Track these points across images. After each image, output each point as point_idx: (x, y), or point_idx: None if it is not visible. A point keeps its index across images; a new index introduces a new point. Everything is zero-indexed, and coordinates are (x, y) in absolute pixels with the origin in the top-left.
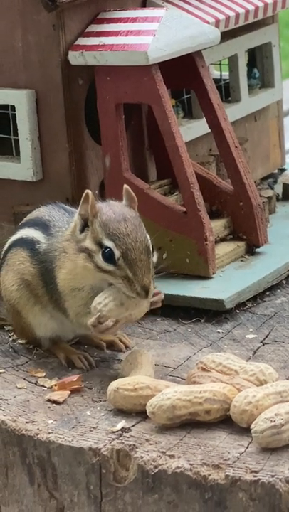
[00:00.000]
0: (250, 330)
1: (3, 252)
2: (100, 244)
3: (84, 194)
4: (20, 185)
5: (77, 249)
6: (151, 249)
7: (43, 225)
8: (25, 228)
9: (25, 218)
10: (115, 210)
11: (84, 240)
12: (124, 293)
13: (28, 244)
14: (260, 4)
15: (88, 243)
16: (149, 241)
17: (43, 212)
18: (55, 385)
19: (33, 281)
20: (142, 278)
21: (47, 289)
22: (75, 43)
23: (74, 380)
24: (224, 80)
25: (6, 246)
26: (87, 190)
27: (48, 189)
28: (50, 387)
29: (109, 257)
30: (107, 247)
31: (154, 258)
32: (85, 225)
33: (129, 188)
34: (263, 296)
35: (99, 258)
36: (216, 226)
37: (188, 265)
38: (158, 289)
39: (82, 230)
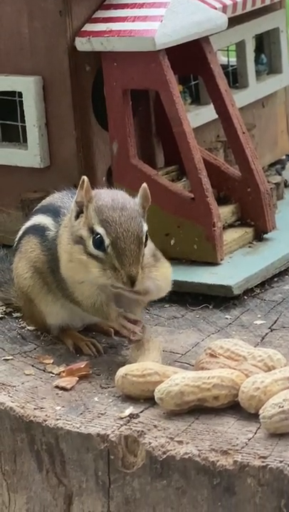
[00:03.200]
0: (259, 316)
1: (17, 239)
2: (91, 230)
3: (80, 180)
4: (27, 172)
5: (72, 240)
6: (144, 240)
7: (54, 212)
8: (38, 215)
9: (39, 204)
10: (114, 198)
11: (78, 228)
12: (112, 282)
13: (39, 231)
14: None
15: (82, 230)
16: (144, 233)
17: (56, 198)
18: (63, 372)
19: (43, 268)
20: (129, 268)
21: (54, 276)
22: (82, 29)
23: (82, 366)
24: (232, 65)
25: (20, 233)
26: (84, 176)
27: (56, 176)
28: (58, 374)
29: (99, 243)
30: (97, 233)
31: (146, 250)
32: (80, 211)
33: (147, 188)
34: (271, 282)
35: (89, 244)
36: (224, 212)
37: (196, 251)
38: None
39: (77, 217)
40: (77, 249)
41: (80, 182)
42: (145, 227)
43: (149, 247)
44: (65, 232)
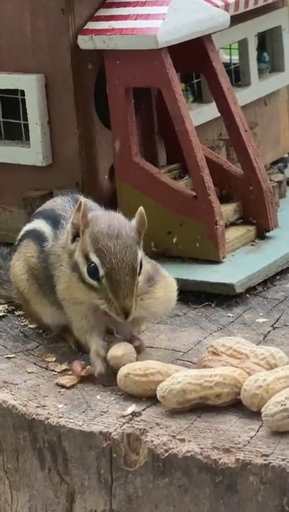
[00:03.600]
0: (261, 314)
1: (18, 239)
2: (86, 258)
3: (78, 203)
4: (30, 170)
5: (70, 266)
6: (138, 270)
7: (54, 220)
8: (40, 219)
9: (41, 206)
10: (110, 223)
11: (74, 252)
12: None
13: (38, 238)
14: None
15: (77, 255)
16: (139, 262)
17: (58, 204)
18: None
19: (39, 276)
20: (124, 300)
21: (50, 287)
22: (85, 27)
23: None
24: (234, 64)
25: (21, 233)
26: (81, 199)
27: (58, 174)
28: (61, 372)
29: (93, 272)
30: (92, 262)
31: (140, 278)
32: (76, 234)
33: (144, 213)
34: (273, 281)
35: (84, 272)
36: (226, 210)
37: (198, 249)
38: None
39: (73, 240)
40: (74, 276)
41: (77, 205)
42: (140, 255)
43: (145, 272)
44: (63, 254)
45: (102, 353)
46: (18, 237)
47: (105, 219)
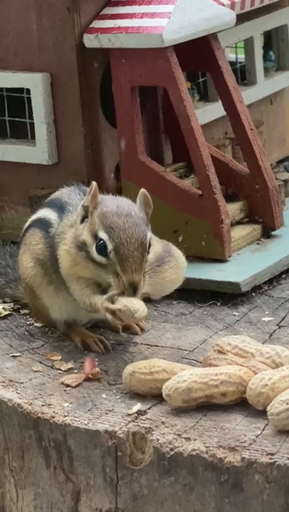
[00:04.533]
0: (266, 313)
1: (23, 231)
2: (95, 236)
3: (90, 185)
4: (35, 169)
5: (75, 245)
6: (147, 247)
7: (60, 207)
8: (45, 208)
9: (48, 198)
10: (120, 204)
11: (82, 233)
12: (114, 289)
13: (43, 225)
14: None
15: (85, 235)
16: (148, 239)
17: (64, 193)
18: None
19: (46, 262)
20: (132, 274)
21: (57, 274)
22: (90, 26)
23: (94, 371)
24: (240, 62)
25: (26, 225)
26: (93, 182)
27: (64, 172)
28: (66, 371)
29: (102, 248)
30: (100, 239)
31: (150, 256)
32: (85, 216)
33: (147, 193)
34: (279, 279)
35: (93, 250)
36: (232, 209)
37: (204, 248)
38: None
39: (82, 221)
40: (81, 256)
41: (90, 187)
42: (149, 234)
43: (154, 252)
44: (69, 232)
45: (108, 304)
46: (23, 230)
47: (114, 201)
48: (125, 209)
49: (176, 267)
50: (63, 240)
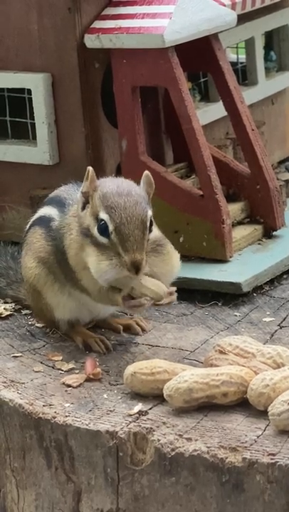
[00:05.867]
0: (268, 313)
1: (24, 232)
2: (96, 218)
3: (86, 171)
4: (36, 169)
5: (81, 232)
6: (148, 225)
7: (59, 203)
8: (44, 207)
9: (47, 197)
10: (120, 185)
11: (85, 219)
12: (118, 271)
13: (44, 222)
14: None
15: (88, 220)
16: (149, 218)
17: (62, 190)
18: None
19: (48, 258)
20: (133, 253)
21: (60, 266)
22: (91, 26)
23: (95, 372)
24: (241, 63)
25: (27, 226)
26: (89, 167)
27: (65, 173)
28: (67, 371)
29: (103, 229)
30: (102, 220)
31: (152, 235)
32: (86, 202)
33: (149, 174)
34: (280, 280)
35: (95, 232)
36: (233, 209)
37: (205, 248)
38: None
39: (83, 208)
40: (87, 242)
41: (86, 173)
42: (150, 213)
43: (154, 234)
44: (74, 222)
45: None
46: (24, 231)
47: (113, 181)
48: (126, 188)
49: (174, 253)
50: (70, 231)
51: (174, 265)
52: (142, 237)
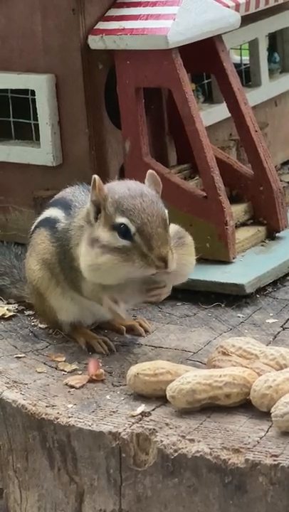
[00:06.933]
0: (271, 314)
1: (29, 233)
2: (113, 226)
3: (92, 180)
4: (40, 170)
5: (91, 241)
6: (168, 222)
7: (65, 205)
8: (50, 208)
9: (52, 199)
10: (131, 187)
11: (98, 228)
12: (143, 271)
13: (49, 223)
14: None
15: (102, 230)
16: (167, 214)
17: (68, 192)
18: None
19: (52, 259)
20: (159, 249)
21: (61, 267)
22: (95, 27)
23: (98, 373)
24: (244, 64)
25: (32, 228)
26: (94, 175)
27: (68, 174)
28: (70, 372)
29: (125, 232)
30: (121, 224)
31: (171, 229)
32: (98, 211)
33: (154, 173)
34: (283, 281)
35: (115, 238)
36: (236, 211)
37: (208, 250)
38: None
39: (96, 218)
40: (98, 251)
41: (92, 182)
42: (166, 210)
43: (173, 228)
44: (85, 233)
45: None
46: (30, 233)
47: (122, 185)
48: (137, 190)
49: (192, 246)
50: (82, 237)
51: (194, 255)
52: (165, 234)
